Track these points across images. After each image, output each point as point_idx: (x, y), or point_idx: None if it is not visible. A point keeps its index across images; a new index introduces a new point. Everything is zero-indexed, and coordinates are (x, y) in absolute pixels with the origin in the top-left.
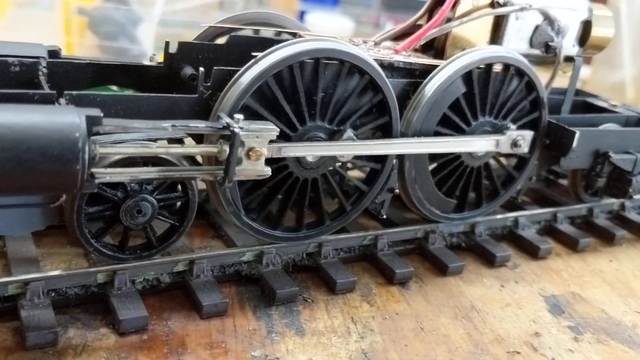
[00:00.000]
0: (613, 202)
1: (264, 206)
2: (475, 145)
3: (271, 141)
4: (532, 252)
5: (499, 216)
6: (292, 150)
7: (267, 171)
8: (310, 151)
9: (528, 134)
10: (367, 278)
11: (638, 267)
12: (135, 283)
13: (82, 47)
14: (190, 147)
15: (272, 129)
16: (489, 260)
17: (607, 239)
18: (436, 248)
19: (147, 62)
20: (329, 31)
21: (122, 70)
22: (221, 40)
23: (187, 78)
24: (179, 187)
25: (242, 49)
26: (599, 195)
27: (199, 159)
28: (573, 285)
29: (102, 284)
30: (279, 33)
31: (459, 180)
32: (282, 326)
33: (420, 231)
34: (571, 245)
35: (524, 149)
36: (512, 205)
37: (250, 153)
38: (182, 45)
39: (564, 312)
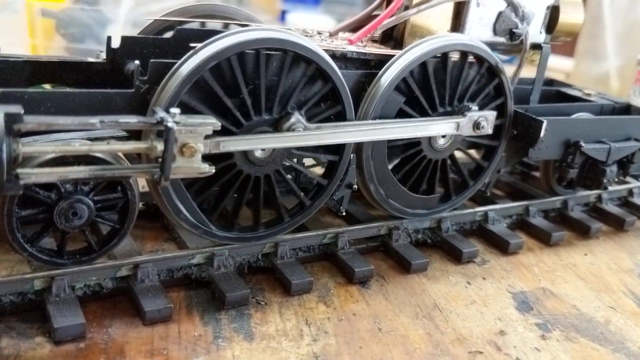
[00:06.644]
0: (589, 194)
1: (216, 207)
2: (434, 129)
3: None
4: (502, 247)
5: (467, 211)
6: (233, 144)
7: (205, 169)
8: (253, 144)
9: (490, 114)
10: (326, 278)
11: (614, 260)
12: (75, 289)
13: (48, 50)
14: (119, 144)
15: (211, 123)
16: (455, 256)
17: (582, 232)
18: (400, 245)
19: (91, 59)
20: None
21: (63, 68)
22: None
23: (130, 73)
24: (119, 187)
25: (191, 42)
26: (573, 187)
27: None
28: (544, 280)
29: (40, 291)
30: (227, 25)
31: (423, 175)
32: (230, 331)
33: (384, 228)
34: (544, 239)
35: (488, 130)
36: (482, 199)
37: (184, 149)
38: (126, 40)
39: (533, 309)
